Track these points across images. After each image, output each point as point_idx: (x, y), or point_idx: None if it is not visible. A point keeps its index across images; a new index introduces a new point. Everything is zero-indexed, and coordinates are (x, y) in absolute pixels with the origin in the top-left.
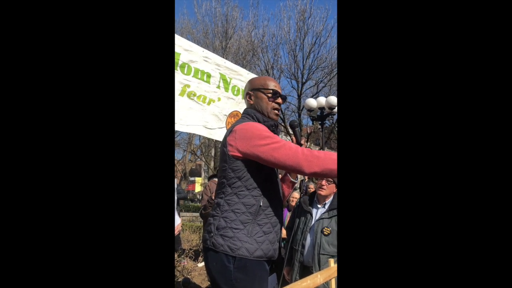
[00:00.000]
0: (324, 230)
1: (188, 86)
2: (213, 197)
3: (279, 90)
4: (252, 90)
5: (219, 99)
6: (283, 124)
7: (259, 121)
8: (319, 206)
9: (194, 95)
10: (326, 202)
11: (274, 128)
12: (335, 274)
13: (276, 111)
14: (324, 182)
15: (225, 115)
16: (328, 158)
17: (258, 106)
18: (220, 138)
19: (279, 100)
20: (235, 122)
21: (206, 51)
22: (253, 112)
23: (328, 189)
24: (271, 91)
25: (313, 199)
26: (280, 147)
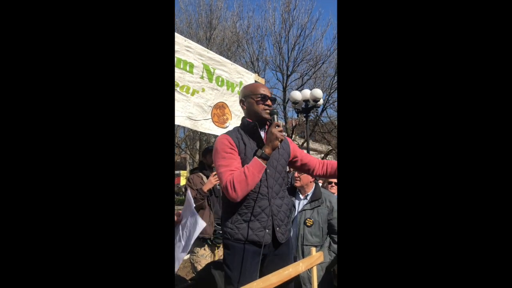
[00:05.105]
0: (306, 221)
1: None
2: (204, 190)
3: (268, 94)
4: (244, 97)
5: (203, 90)
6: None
7: (243, 125)
8: (301, 197)
9: (177, 85)
10: (308, 193)
11: (256, 129)
12: (317, 262)
13: (268, 111)
14: (296, 174)
15: (210, 106)
16: (243, 181)
17: (251, 110)
18: (205, 130)
19: (269, 102)
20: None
21: (188, 40)
22: (242, 120)
23: (303, 179)
24: (260, 95)
25: (295, 190)
26: (220, 167)
